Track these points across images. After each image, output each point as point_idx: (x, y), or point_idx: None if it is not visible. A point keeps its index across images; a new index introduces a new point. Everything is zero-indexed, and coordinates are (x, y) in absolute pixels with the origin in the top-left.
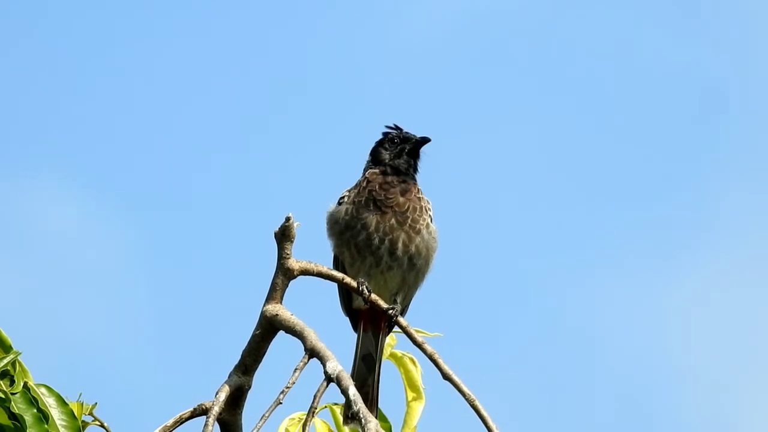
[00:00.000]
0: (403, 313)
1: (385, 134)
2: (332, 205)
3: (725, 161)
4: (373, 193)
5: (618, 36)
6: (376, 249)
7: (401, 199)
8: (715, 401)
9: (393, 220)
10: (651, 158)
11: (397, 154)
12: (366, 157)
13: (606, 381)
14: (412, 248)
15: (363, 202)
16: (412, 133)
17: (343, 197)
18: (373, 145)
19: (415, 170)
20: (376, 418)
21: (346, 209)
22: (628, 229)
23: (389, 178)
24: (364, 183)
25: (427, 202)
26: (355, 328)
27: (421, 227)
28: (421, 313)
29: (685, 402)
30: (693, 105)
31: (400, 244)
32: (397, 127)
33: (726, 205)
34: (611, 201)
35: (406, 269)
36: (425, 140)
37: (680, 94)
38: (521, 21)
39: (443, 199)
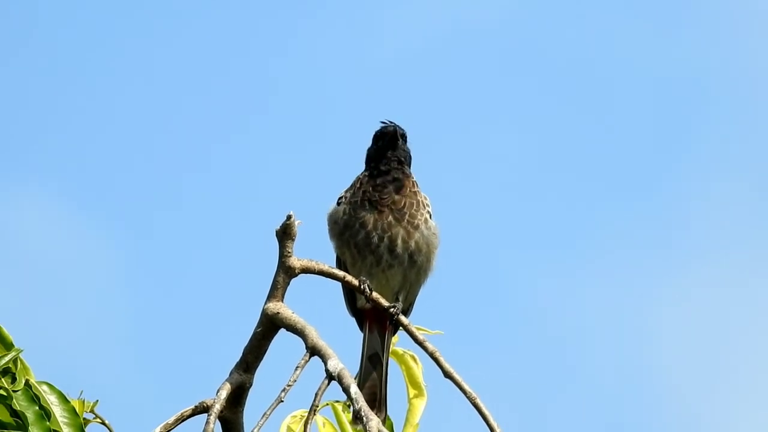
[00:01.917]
0: (407, 311)
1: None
2: (332, 206)
3: (705, 161)
4: (368, 194)
5: (598, 37)
6: (375, 247)
7: (397, 197)
8: (696, 402)
9: (390, 217)
10: (632, 157)
11: (378, 155)
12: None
13: (595, 381)
14: (412, 244)
15: (359, 202)
16: (392, 124)
17: (341, 197)
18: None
19: (400, 162)
20: (385, 417)
21: (344, 209)
22: (613, 227)
23: (379, 180)
24: (358, 184)
25: (425, 197)
26: (361, 328)
27: (420, 222)
28: (423, 310)
29: (668, 402)
30: (674, 104)
31: (399, 241)
32: (388, 122)
33: (709, 204)
34: (594, 199)
35: (407, 267)
36: (392, 131)
37: (662, 94)
38: (501, 28)
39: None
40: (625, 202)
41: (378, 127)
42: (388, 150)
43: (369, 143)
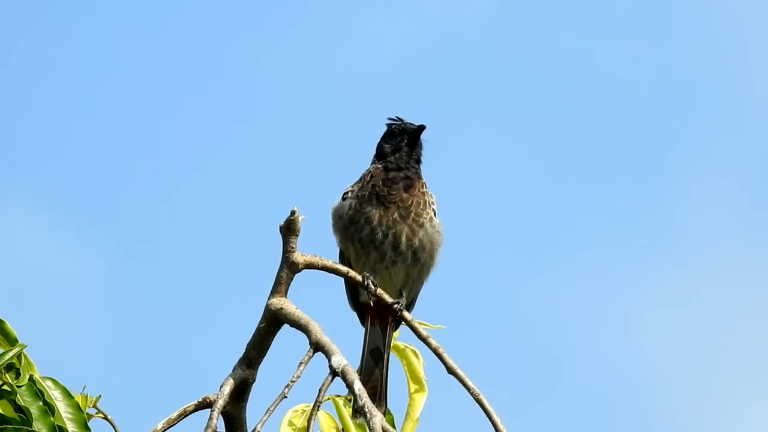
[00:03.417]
0: (409, 307)
1: (388, 126)
2: (336, 201)
3: (689, 159)
4: (377, 188)
5: (580, 40)
6: (379, 244)
7: (405, 195)
8: (682, 401)
9: (396, 215)
10: (615, 156)
11: (397, 148)
12: (373, 150)
13: (580, 380)
14: (416, 242)
15: (366, 196)
16: (411, 122)
17: (347, 192)
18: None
19: (417, 161)
20: (385, 412)
21: (350, 204)
22: (598, 225)
23: (391, 174)
24: (368, 177)
25: (431, 196)
26: (363, 322)
27: (425, 221)
28: (426, 305)
29: (654, 400)
30: (657, 103)
31: (403, 238)
32: (398, 119)
33: (692, 203)
34: (579, 197)
35: (410, 264)
36: (421, 128)
37: (645, 94)
38: (482, 32)
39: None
40: (609, 200)
41: (382, 125)
42: (410, 147)
43: (369, 141)
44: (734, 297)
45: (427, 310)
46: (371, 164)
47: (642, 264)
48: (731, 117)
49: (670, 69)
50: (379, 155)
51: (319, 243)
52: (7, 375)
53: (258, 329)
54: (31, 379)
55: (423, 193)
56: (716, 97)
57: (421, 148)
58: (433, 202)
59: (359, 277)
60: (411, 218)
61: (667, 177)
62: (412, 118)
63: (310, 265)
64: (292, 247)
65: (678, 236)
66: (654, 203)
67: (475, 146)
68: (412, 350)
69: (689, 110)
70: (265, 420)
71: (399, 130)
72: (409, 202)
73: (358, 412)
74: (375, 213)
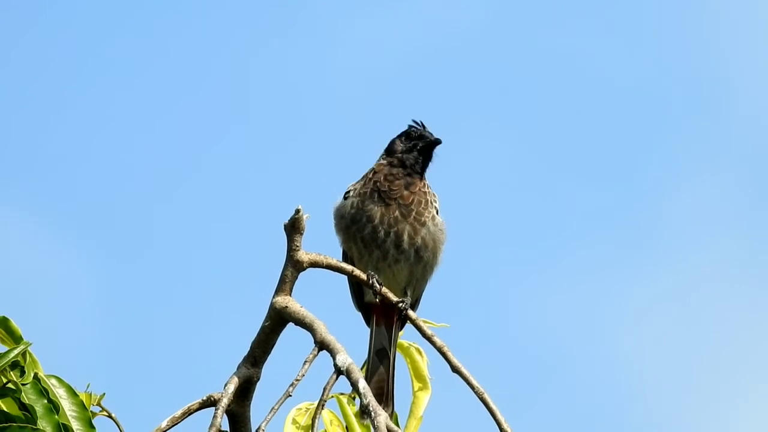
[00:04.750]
0: (414, 306)
1: (408, 127)
2: (338, 200)
3: (678, 159)
4: (378, 184)
5: (578, 42)
6: (381, 242)
7: (405, 192)
8: (671, 403)
9: (397, 213)
10: (604, 156)
11: (409, 149)
12: (373, 149)
13: (569, 381)
14: (418, 240)
15: (368, 193)
16: (430, 132)
17: (348, 191)
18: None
19: (423, 168)
20: (393, 411)
21: (352, 203)
22: (587, 226)
23: (395, 170)
24: (371, 174)
25: (433, 195)
26: (368, 322)
27: (426, 219)
28: (428, 304)
29: (643, 402)
30: (646, 103)
31: (405, 236)
32: (420, 124)
33: (681, 203)
34: (568, 197)
35: (413, 262)
36: (437, 142)
37: (634, 93)
38: (480, 38)
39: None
40: (607, 200)
41: (382, 124)
42: (420, 153)
43: (368, 140)
44: (727, 297)
45: (430, 309)
46: (379, 159)
47: (640, 263)
48: (725, 117)
49: (668, 69)
50: (389, 152)
51: (323, 243)
52: (11, 373)
53: (262, 328)
54: (35, 377)
55: (425, 192)
56: (711, 97)
57: (430, 160)
58: (435, 201)
59: (364, 276)
60: (412, 216)
61: (662, 177)
62: (411, 118)
63: (314, 264)
64: (297, 246)
65: (673, 236)
66: (649, 203)
67: (472, 146)
68: (416, 348)
69: (686, 111)
70: (270, 419)
71: (416, 135)
72: (410, 200)
73: (364, 411)
74: (377, 211)
